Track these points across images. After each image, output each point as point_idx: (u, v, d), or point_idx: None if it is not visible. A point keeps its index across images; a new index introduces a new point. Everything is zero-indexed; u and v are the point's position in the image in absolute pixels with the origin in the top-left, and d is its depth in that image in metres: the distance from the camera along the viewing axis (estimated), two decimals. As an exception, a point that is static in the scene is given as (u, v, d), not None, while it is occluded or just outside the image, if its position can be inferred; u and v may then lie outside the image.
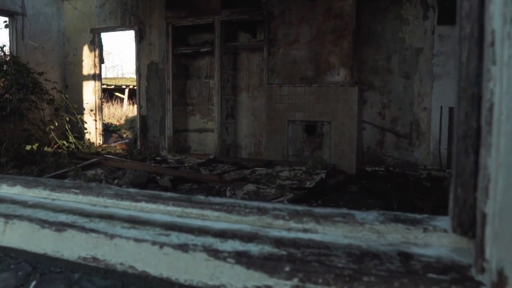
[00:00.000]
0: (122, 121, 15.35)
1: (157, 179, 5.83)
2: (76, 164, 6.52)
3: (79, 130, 9.13)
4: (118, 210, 0.70)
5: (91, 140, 9.48)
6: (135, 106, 11.31)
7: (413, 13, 6.96)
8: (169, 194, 0.70)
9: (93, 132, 9.57)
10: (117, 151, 8.95)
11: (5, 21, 8.42)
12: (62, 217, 0.67)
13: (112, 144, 9.99)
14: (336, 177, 6.37)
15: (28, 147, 6.87)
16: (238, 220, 0.62)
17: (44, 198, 0.77)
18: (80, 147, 8.72)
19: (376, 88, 7.21)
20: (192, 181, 5.90)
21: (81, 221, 0.66)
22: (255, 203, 0.63)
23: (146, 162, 7.34)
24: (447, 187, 5.82)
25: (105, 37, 49.31)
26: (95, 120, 9.63)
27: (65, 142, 8.18)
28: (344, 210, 0.61)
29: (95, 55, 9.48)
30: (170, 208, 0.67)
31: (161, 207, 0.67)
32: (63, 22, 9.61)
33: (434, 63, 6.86)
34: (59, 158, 6.75)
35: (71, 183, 0.80)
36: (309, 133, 7.06)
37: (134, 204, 0.70)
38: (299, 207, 0.62)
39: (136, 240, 0.58)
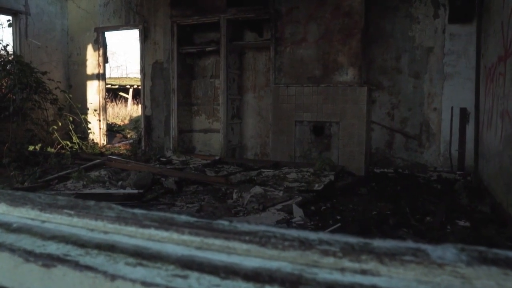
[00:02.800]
0: (126, 121, 15.25)
1: (162, 180, 5.70)
2: (79, 165, 6.39)
3: (82, 130, 9.01)
4: (121, 238, 0.56)
5: (95, 140, 9.37)
6: (140, 106, 11.20)
7: (423, 12, 6.80)
8: (184, 217, 0.57)
9: (97, 132, 9.46)
10: (121, 152, 8.84)
11: (9, 20, 8.31)
12: (52, 247, 0.54)
13: (116, 145, 9.88)
14: (344, 179, 6.23)
15: (31, 148, 6.75)
16: (275, 255, 0.48)
17: (32, 219, 0.64)
18: (83, 147, 8.61)
19: (385, 88, 7.06)
20: (197, 182, 5.77)
21: (74, 253, 0.52)
22: (295, 233, 0.50)
23: (150, 163, 7.22)
24: (458, 189, 5.66)
25: (110, 36, 49.36)
26: (99, 120, 9.51)
27: (68, 143, 8.07)
28: (412, 244, 0.47)
29: (99, 54, 9.37)
30: (186, 237, 0.53)
31: (175, 235, 0.54)
32: (67, 21, 9.51)
33: (445, 63, 6.71)
34: (62, 158, 6.62)
35: (65, 200, 0.66)
36: (317, 134, 6.91)
37: (141, 230, 0.56)
38: (353, 240, 0.49)
39: (145, 284, 0.44)
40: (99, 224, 0.59)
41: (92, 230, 0.59)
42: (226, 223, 0.55)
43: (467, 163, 6.55)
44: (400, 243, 0.47)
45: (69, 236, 0.57)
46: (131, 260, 0.49)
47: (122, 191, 5.04)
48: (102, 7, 9.11)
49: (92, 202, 0.65)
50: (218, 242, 0.51)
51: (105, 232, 0.58)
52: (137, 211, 0.61)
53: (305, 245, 0.48)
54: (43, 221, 0.63)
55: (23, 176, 5.47)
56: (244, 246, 0.49)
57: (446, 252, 0.45)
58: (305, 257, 0.47)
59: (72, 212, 0.61)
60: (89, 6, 9.25)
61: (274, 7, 7.08)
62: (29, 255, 0.52)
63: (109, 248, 0.52)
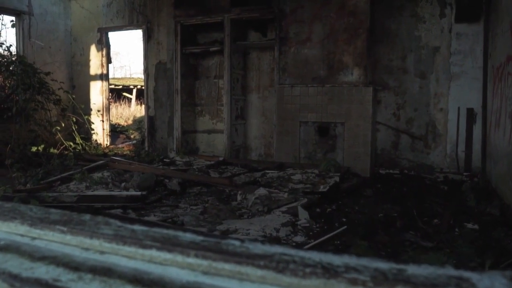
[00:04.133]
0: (130, 122, 15.21)
1: (165, 182, 5.65)
2: (82, 166, 6.35)
3: (86, 131, 8.97)
4: (118, 260, 0.50)
5: (98, 141, 9.32)
6: (143, 106, 11.16)
7: (429, 11, 6.72)
8: (189, 236, 0.50)
9: (100, 133, 9.41)
10: (124, 153, 8.79)
11: (12, 21, 8.29)
12: (41, 270, 0.48)
13: (120, 145, 9.83)
14: (350, 180, 6.16)
15: (34, 149, 6.70)
16: (294, 284, 0.42)
17: (22, 235, 0.58)
18: (87, 148, 8.56)
19: (391, 88, 6.98)
20: (201, 184, 5.71)
21: (66, 278, 0.46)
22: (317, 257, 0.43)
23: (153, 164, 7.17)
24: (465, 191, 5.57)
25: (113, 36, 49.42)
26: (102, 121, 9.47)
27: (71, 143, 8.02)
28: (453, 271, 0.41)
29: (102, 54, 9.33)
30: (191, 260, 0.47)
31: (179, 258, 0.48)
32: (70, 22, 9.47)
33: (451, 63, 6.62)
34: (65, 160, 6.58)
35: (58, 215, 0.60)
36: (322, 135, 6.84)
37: (141, 251, 0.50)
38: (384, 265, 0.42)
39: (144, 319, 0.38)
40: (95, 242, 0.53)
41: (86, 249, 0.52)
42: (237, 243, 0.48)
43: (474, 164, 6.47)
44: (438, 270, 0.41)
45: (61, 256, 0.50)
46: (129, 287, 0.43)
47: (125, 193, 4.98)
48: (106, 7, 9.07)
49: (87, 217, 0.59)
50: (228, 266, 0.45)
51: (101, 252, 0.51)
52: (137, 227, 0.55)
53: (329, 272, 0.41)
54: (33, 238, 0.57)
55: (26, 178, 5.42)
56: (259, 272, 0.43)
57: (495, 281, 0.39)
58: (329, 286, 0.40)
59: (65, 229, 0.55)
60: (93, 7, 9.21)
61: (278, 7, 7.02)
62: (14, 280, 0.46)
63: (105, 272, 0.46)
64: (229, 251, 0.46)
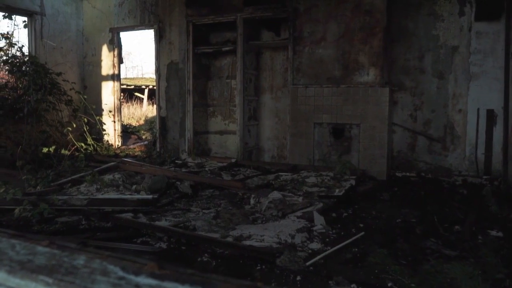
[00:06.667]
0: (142, 122, 15.17)
1: (177, 184, 5.54)
2: (93, 168, 6.27)
3: (97, 132, 8.92)
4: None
5: (110, 142, 9.26)
6: (155, 106, 11.08)
7: (448, 9, 6.53)
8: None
9: (111, 133, 9.35)
10: (136, 154, 8.71)
11: (24, 21, 8.25)
12: None
13: (131, 146, 9.76)
14: (365, 183, 6.00)
15: (45, 150, 6.63)
16: None
17: (-1, 285, 0.45)
18: (98, 149, 8.50)
19: (408, 89, 6.79)
20: (213, 186, 5.60)
21: None
22: None
23: (165, 165, 7.08)
24: (486, 195, 5.37)
25: (125, 36, 49.65)
26: (114, 122, 9.41)
27: (83, 144, 7.96)
28: None
29: (114, 55, 9.26)
30: None
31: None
32: (82, 22, 9.42)
33: (470, 62, 6.42)
34: (76, 161, 6.50)
35: (45, 257, 0.48)
36: (337, 137, 6.68)
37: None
38: None
39: None
40: (88, 302, 0.40)
41: (77, 312, 0.40)
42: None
43: (494, 167, 6.26)
44: None
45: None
46: None
47: (136, 196, 4.88)
48: (117, 7, 9.00)
49: (81, 261, 0.46)
50: None
51: (96, 318, 0.39)
52: (142, 281, 0.42)
53: None
54: (12, 290, 0.44)
55: (36, 179, 5.35)
56: None
57: None
58: None
59: (50, 281, 0.42)
60: (104, 6, 9.15)
61: (292, 6, 6.87)
62: None
63: None
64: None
